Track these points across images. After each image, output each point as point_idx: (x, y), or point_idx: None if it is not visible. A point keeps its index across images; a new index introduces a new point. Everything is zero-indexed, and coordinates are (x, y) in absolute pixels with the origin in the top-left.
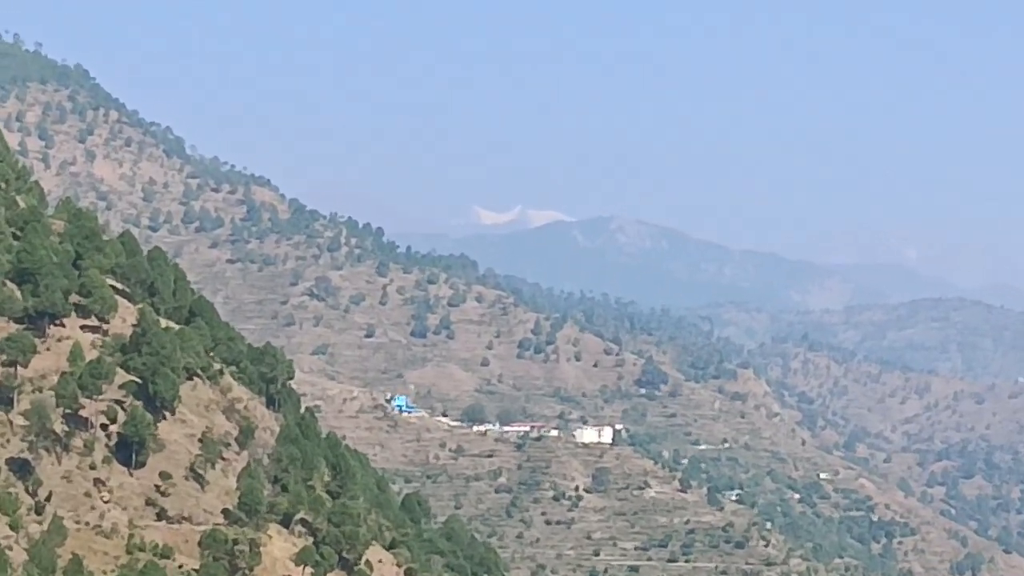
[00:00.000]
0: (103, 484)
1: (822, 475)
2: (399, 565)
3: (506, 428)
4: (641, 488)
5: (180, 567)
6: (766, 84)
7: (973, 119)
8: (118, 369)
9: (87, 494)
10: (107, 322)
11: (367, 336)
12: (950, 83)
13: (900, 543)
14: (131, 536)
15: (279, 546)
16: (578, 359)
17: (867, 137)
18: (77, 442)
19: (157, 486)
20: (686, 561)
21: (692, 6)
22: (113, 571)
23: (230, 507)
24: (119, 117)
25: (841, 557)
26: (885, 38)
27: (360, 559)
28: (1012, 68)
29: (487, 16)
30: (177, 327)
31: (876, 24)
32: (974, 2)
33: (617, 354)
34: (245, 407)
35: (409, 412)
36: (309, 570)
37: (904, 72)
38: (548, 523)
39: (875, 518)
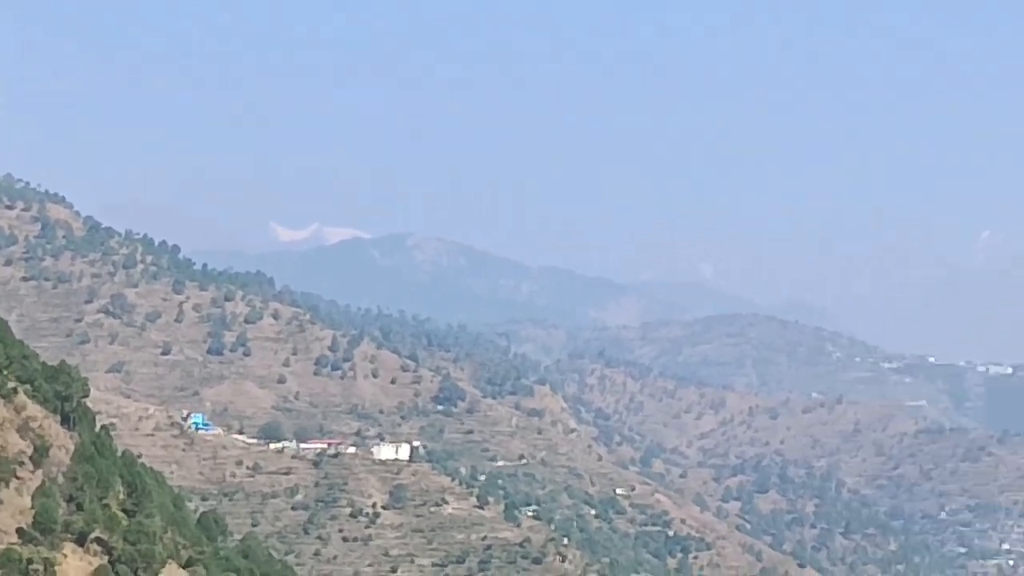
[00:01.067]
0: None
1: (618, 490)
2: None
3: (303, 445)
4: (438, 505)
5: None
6: (552, 100)
7: (762, 139)
8: None
9: None
10: None
11: (163, 354)
12: (729, 101)
13: (696, 558)
14: None
15: (74, 565)
16: (375, 376)
17: (659, 156)
18: None
19: None
20: None
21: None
22: None
23: (24, 526)
24: None
25: (637, 572)
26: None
27: None
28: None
29: (277, 38)
30: None
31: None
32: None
33: (414, 371)
34: (40, 425)
35: (206, 430)
36: None
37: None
38: (345, 540)
39: (671, 533)
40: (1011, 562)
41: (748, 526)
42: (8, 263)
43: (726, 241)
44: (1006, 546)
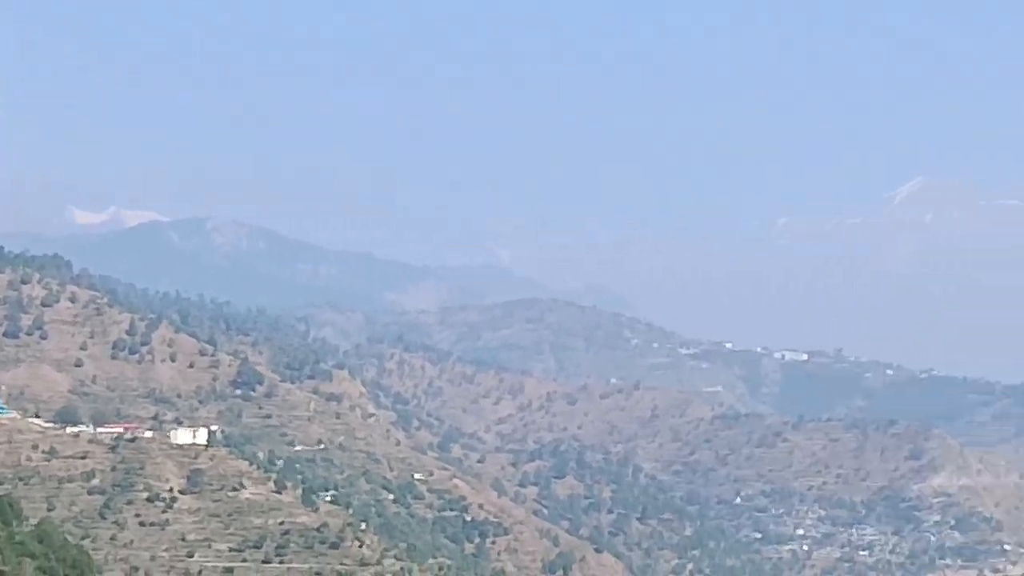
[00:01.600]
0: None
1: (416, 475)
2: None
3: (100, 429)
4: (236, 489)
5: None
6: (334, 85)
7: (554, 122)
8: None
9: None
10: None
11: None
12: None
13: (493, 543)
14: None
15: None
16: (173, 360)
17: (458, 140)
18: None
19: None
20: (280, 562)
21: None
22: None
23: None
24: None
25: (435, 557)
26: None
27: None
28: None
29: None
30: None
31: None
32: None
33: (212, 355)
34: None
35: (1, 414)
36: None
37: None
38: (142, 524)
39: (469, 518)
40: (805, 547)
41: (545, 511)
42: None
43: (525, 226)
44: (800, 531)
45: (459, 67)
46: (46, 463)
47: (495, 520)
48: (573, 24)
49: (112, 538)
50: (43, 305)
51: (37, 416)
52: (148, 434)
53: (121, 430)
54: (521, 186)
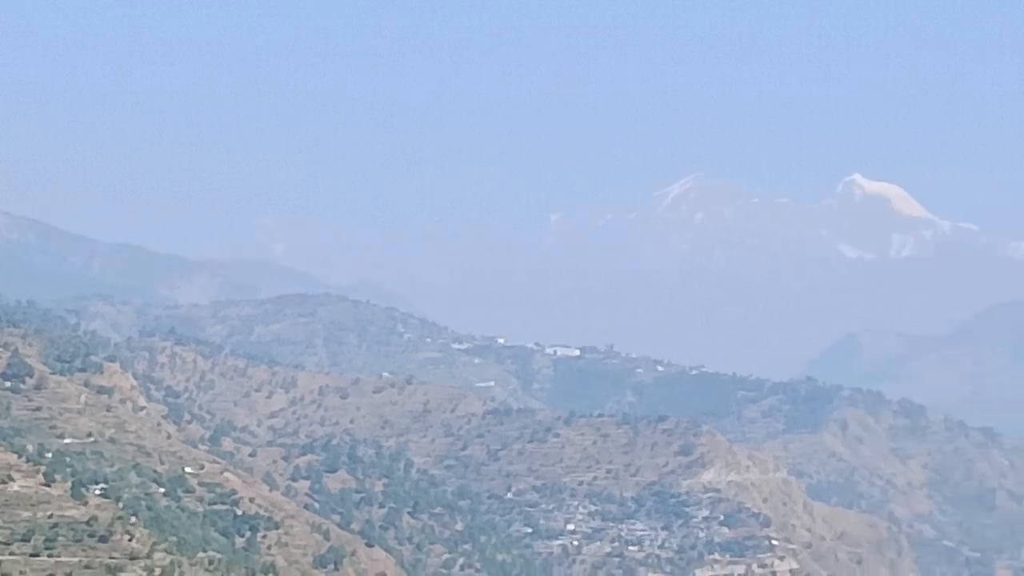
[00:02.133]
0: None
1: (187, 469)
2: None
3: None
4: (4, 482)
5: None
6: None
7: (320, 120)
8: None
9: None
10: None
11: None
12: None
13: (264, 537)
14: None
15: None
16: None
17: (231, 134)
18: None
19: None
20: (49, 556)
21: None
22: None
23: None
24: None
25: (205, 551)
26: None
27: None
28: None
29: None
30: None
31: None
32: None
33: None
34: None
35: None
36: None
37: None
38: None
39: (240, 512)
40: (575, 542)
41: (317, 505)
42: None
43: (298, 220)
44: (571, 526)
45: (226, 65)
46: None
47: (266, 514)
48: (338, 19)
49: None
50: None
51: None
52: None
53: None
54: (294, 181)
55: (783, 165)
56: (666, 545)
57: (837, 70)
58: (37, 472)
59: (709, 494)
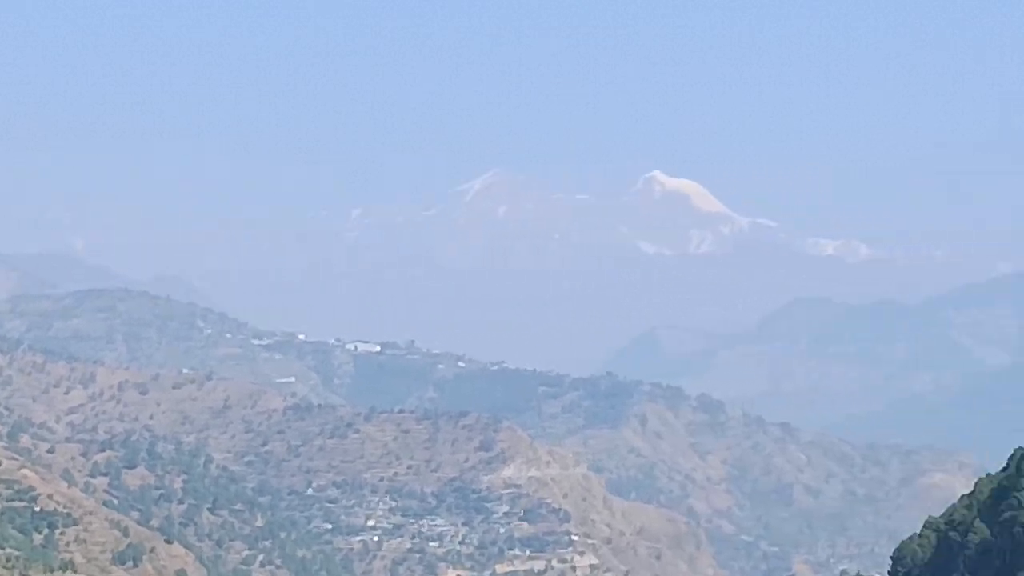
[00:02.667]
0: None
1: None
2: None
3: None
4: None
5: None
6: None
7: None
8: None
9: None
10: None
11: None
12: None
13: (63, 533)
14: None
15: None
16: None
17: (43, 126)
18: None
19: None
20: None
21: None
22: None
23: None
24: None
25: (3, 548)
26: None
27: None
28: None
29: None
30: None
31: None
32: None
33: None
34: None
35: None
36: None
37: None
38: None
39: (38, 508)
40: (376, 538)
41: (116, 501)
42: None
43: (99, 214)
44: (371, 522)
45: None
46: None
47: (64, 511)
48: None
49: None
50: None
51: None
52: None
53: None
54: (95, 173)
55: (584, 161)
56: (467, 541)
57: (637, 66)
58: None
59: (509, 490)
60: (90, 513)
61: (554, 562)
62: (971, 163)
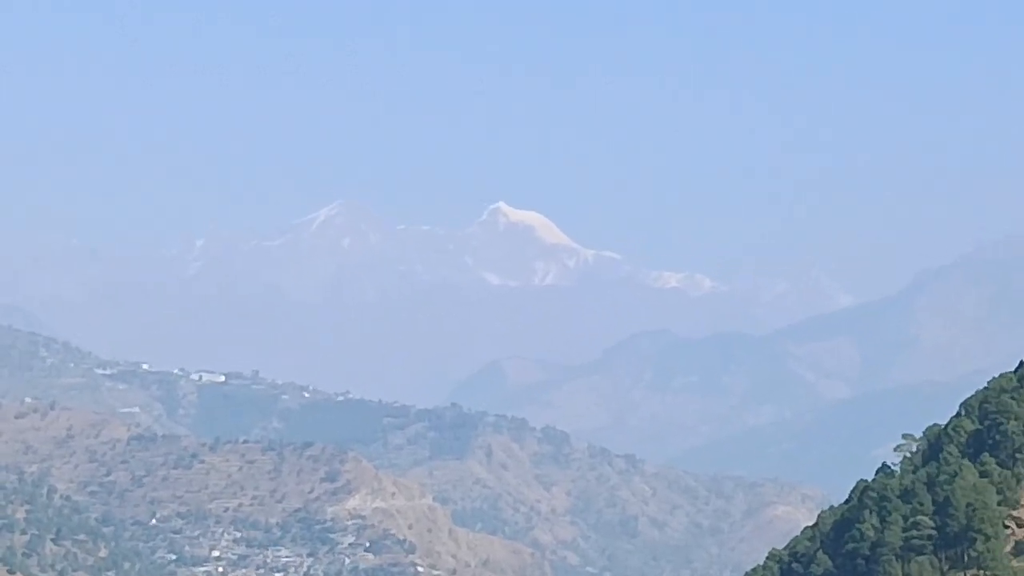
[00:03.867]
0: None
1: None
2: None
3: None
4: None
5: None
6: None
7: None
8: None
9: None
10: None
11: None
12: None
13: None
14: None
15: None
16: None
17: None
18: None
19: None
20: None
21: None
22: None
23: None
24: None
25: None
26: None
27: None
28: None
29: None
30: None
31: None
32: None
33: None
34: None
35: None
36: None
37: None
38: None
39: None
40: (220, 568)
41: None
42: None
43: None
44: (216, 553)
45: None
46: None
47: None
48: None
49: None
50: None
51: None
52: None
53: None
54: None
55: (429, 193)
56: (311, 572)
57: (478, 99)
58: None
59: (355, 520)
60: None
61: None
62: (812, 198)
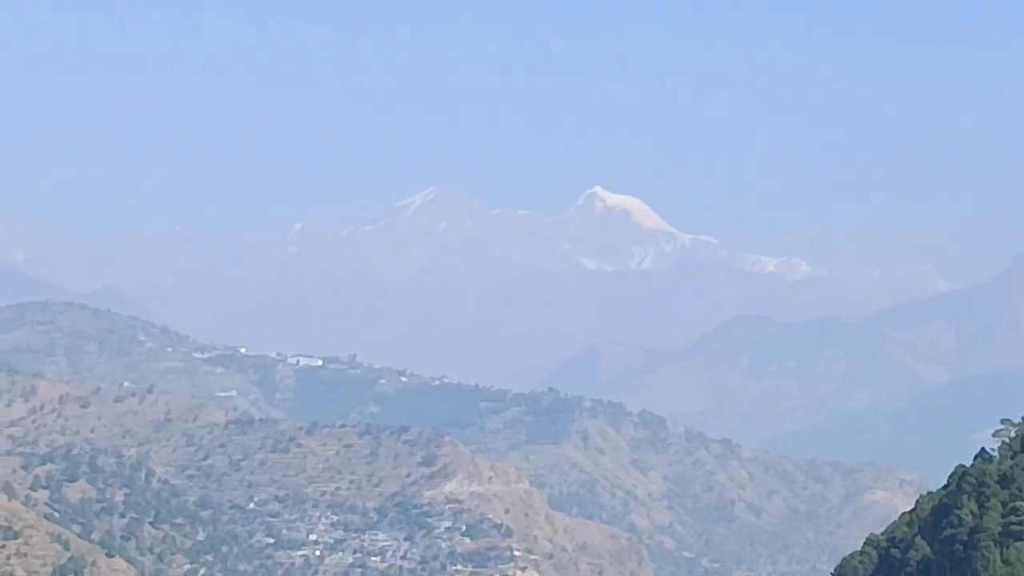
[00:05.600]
0: None
1: None
2: None
3: None
4: None
5: None
6: None
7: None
8: None
9: None
10: None
11: None
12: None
13: (3, 546)
14: None
15: None
16: None
17: None
18: None
19: None
20: None
21: None
22: None
23: None
24: None
25: None
26: None
27: None
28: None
29: None
30: None
31: None
32: None
33: None
34: None
35: None
36: None
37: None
38: None
39: None
40: (318, 552)
41: (57, 515)
42: None
43: (39, 226)
44: (313, 536)
45: None
46: None
47: (5, 524)
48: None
49: None
50: None
51: None
52: None
53: None
54: (32, 186)
55: (525, 178)
56: (408, 556)
57: (579, 82)
58: None
59: (451, 505)
60: (31, 526)
61: None
62: (908, 182)
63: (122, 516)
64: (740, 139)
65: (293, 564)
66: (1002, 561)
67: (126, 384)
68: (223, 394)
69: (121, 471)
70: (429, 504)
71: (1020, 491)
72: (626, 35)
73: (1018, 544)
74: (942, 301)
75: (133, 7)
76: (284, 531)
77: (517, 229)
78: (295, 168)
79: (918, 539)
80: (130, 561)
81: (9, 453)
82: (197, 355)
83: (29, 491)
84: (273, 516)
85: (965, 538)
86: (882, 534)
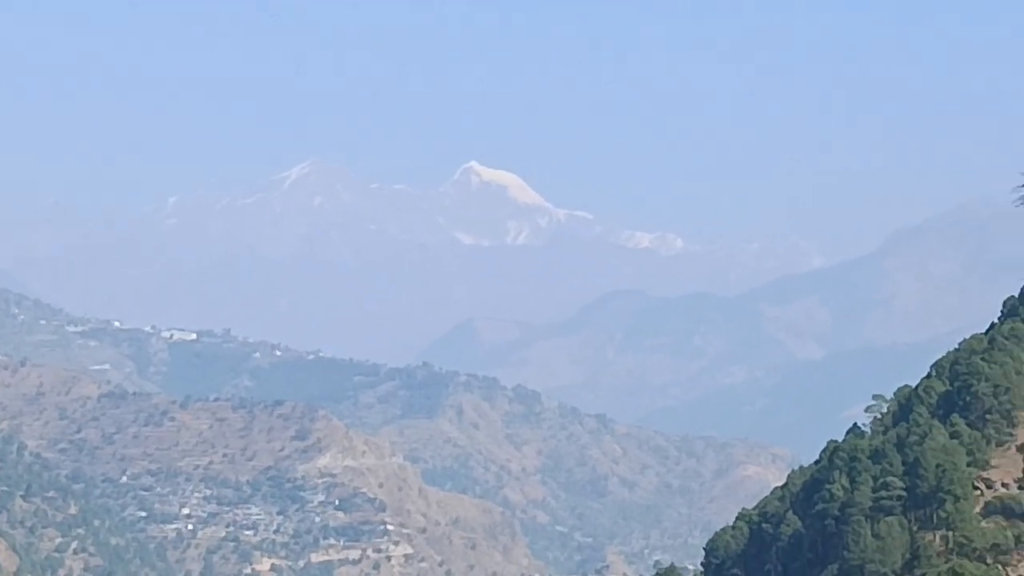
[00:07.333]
0: None
1: None
2: None
3: None
4: None
5: None
6: None
7: None
8: None
9: None
10: None
11: None
12: None
13: None
14: None
15: None
16: None
17: None
18: None
19: None
20: None
21: None
22: None
23: None
24: None
25: None
26: None
27: None
28: None
29: None
30: None
31: None
32: None
33: None
34: None
35: None
36: None
37: None
38: None
39: None
40: (190, 526)
41: None
42: None
43: None
44: (186, 511)
45: None
46: None
47: None
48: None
49: None
50: None
51: None
52: None
53: None
54: None
55: (401, 152)
56: (281, 529)
57: (455, 57)
58: None
59: (325, 479)
60: None
61: (369, 551)
62: (786, 159)
63: None
64: (615, 115)
65: (166, 538)
66: (873, 536)
67: None
68: (96, 367)
69: None
70: (303, 478)
71: (891, 466)
72: (498, 7)
73: (888, 519)
74: (816, 277)
75: None
76: (157, 505)
77: (394, 203)
78: (173, 140)
79: (790, 514)
80: (1, 535)
81: None
82: (71, 328)
83: None
84: (146, 490)
85: (836, 513)
86: (754, 509)
